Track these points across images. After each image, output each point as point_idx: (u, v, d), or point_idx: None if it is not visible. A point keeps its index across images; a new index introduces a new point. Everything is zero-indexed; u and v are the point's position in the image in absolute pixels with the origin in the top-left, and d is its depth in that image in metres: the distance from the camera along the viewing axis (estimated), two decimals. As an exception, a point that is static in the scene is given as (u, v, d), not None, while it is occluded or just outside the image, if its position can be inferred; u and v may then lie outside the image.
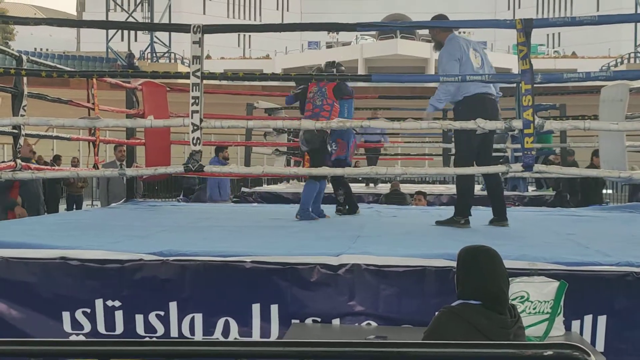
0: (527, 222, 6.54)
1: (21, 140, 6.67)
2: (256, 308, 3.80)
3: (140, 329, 3.85)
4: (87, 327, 3.87)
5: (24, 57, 6.79)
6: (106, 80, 8.05)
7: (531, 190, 12.82)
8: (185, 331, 3.83)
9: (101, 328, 3.86)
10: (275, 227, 5.90)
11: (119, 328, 3.86)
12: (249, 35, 56.56)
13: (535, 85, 4.95)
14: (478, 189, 11.55)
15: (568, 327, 3.63)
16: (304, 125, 5.73)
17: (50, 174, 7.20)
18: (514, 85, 5.16)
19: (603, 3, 52.71)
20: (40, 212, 8.32)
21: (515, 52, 5.18)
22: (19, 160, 6.44)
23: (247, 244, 4.41)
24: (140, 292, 3.86)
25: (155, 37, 43.04)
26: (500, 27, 5.49)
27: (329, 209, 7.18)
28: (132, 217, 6.68)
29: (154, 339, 3.80)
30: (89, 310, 3.87)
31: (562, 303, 3.53)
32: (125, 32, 49.39)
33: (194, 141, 5.17)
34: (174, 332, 3.83)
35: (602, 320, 3.67)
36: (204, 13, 55.64)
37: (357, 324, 3.77)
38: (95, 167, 7.87)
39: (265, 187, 13.26)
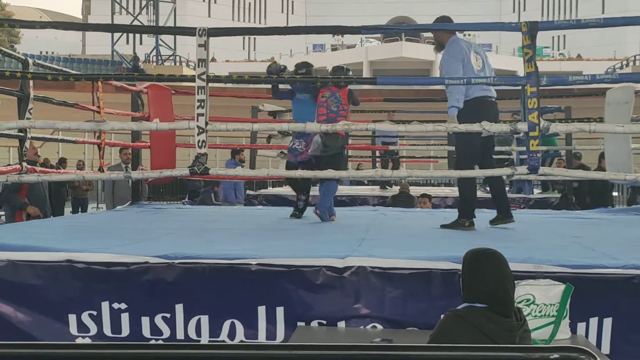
0: (532, 224, 6.53)
1: (27, 143, 6.69)
2: (262, 310, 3.80)
3: (146, 331, 3.85)
4: (93, 329, 3.88)
5: (30, 61, 6.81)
6: (111, 83, 8.06)
7: (537, 193, 12.80)
8: (192, 333, 3.84)
9: (107, 331, 3.87)
10: (280, 230, 5.90)
11: (125, 330, 3.87)
12: (254, 38, 56.61)
13: (540, 87, 4.95)
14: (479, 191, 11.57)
15: (574, 330, 3.62)
16: (309, 128, 5.74)
17: (56, 177, 7.22)
18: (519, 87, 5.15)
19: (608, 5, 52.65)
20: (46, 214, 8.33)
21: (521, 54, 5.18)
22: (25, 163, 6.46)
23: (253, 247, 4.41)
24: (146, 294, 3.87)
25: (161, 40, 43.13)
26: (506, 30, 5.48)
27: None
28: (138, 220, 6.69)
29: (160, 342, 3.81)
30: (95, 313, 3.88)
31: (568, 306, 3.52)
32: (131, 35, 49.48)
33: (200, 144, 5.18)
34: (180, 335, 3.83)
35: (607, 322, 3.66)
36: (209, 16, 55.72)
37: (362, 327, 3.77)
38: (101, 170, 7.89)
39: (271, 190, 13.28)
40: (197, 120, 5.15)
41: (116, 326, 3.87)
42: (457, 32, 6.06)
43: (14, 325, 3.90)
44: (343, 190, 12.50)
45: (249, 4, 59.63)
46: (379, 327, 3.76)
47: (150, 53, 43.32)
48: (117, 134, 15.86)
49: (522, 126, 4.99)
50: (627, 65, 41.89)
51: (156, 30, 31.40)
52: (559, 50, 53.39)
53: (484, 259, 3.00)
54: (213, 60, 41.14)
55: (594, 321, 3.67)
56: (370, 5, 56.80)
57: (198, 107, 5.14)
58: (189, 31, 5.39)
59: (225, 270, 3.84)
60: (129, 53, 41.27)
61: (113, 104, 8.50)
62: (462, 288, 3.01)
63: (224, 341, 3.81)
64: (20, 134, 6.60)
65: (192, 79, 5.28)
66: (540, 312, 3.50)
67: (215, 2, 57.82)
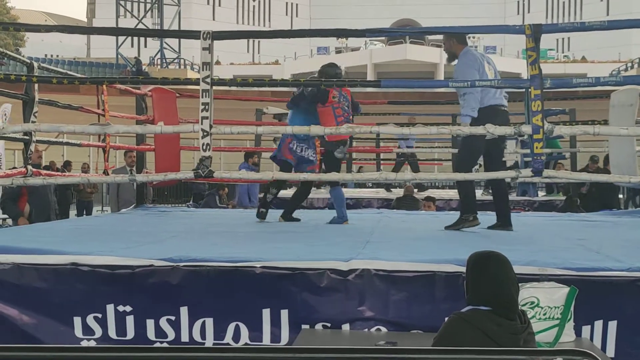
0: (537, 227, 6.53)
1: (32, 147, 6.70)
2: (266, 313, 3.80)
3: (151, 333, 3.86)
4: (98, 332, 3.89)
5: (35, 64, 6.83)
6: (116, 86, 8.08)
7: (541, 195, 12.79)
8: (196, 336, 3.84)
9: (112, 333, 3.88)
10: (284, 232, 5.91)
11: (130, 333, 3.88)
12: (258, 41, 56.68)
13: (544, 90, 4.95)
14: (479, 194, 11.57)
15: (578, 333, 3.62)
16: (313, 131, 5.74)
17: (61, 180, 7.23)
18: (523, 90, 5.16)
19: (613, 7, 52.59)
20: (50, 218, 8.36)
21: (525, 57, 5.18)
22: (30, 167, 6.48)
23: (257, 250, 4.42)
24: (151, 297, 3.87)
25: (165, 43, 43.20)
26: (510, 32, 5.49)
27: (317, 215, 7.30)
28: (142, 223, 6.70)
29: (165, 344, 3.81)
30: (100, 316, 3.88)
31: (572, 309, 3.52)
32: (135, 38, 49.59)
33: (204, 147, 5.19)
34: (184, 337, 3.84)
35: (612, 325, 3.65)
36: (214, 19, 55.82)
37: (367, 330, 3.77)
38: (106, 172, 7.91)
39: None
40: (202, 123, 5.16)
41: (121, 329, 3.88)
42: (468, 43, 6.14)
43: (19, 328, 3.91)
44: (347, 192, 12.51)
45: (253, 7, 59.72)
46: (383, 329, 3.76)
47: (154, 56, 43.40)
48: (121, 137, 15.92)
49: (526, 129, 4.99)
50: (632, 67, 41.80)
51: (161, 34, 31.51)
52: (563, 52, 53.33)
53: (488, 262, 3.00)
54: (217, 63, 41.21)
55: (598, 324, 3.67)
56: (374, 8, 56.81)
57: (202, 110, 5.15)
58: (193, 34, 5.40)
59: (229, 273, 3.84)
60: (133, 56, 41.34)
61: (117, 107, 8.51)
62: (466, 291, 3.01)
63: (228, 344, 3.81)
64: (25, 137, 6.62)
65: (196, 82, 5.29)
66: (544, 314, 3.50)
67: (219, 5, 57.91)
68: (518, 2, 58.73)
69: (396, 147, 13.89)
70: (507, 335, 2.82)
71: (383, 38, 47.19)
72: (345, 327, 3.79)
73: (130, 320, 3.87)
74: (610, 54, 47.57)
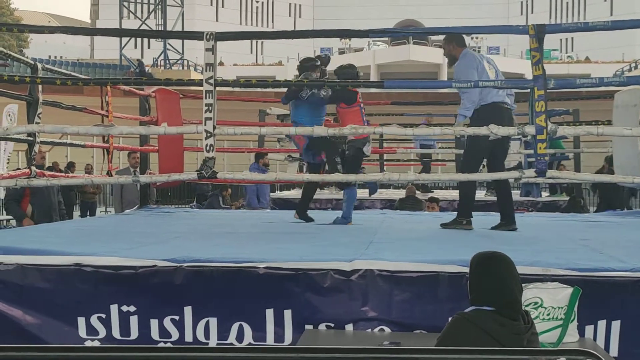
0: (540, 227, 6.52)
1: (36, 148, 6.71)
2: (270, 313, 3.81)
3: (155, 333, 3.87)
4: (102, 332, 3.89)
5: (39, 65, 6.84)
6: (120, 88, 8.09)
7: (545, 196, 12.78)
8: (200, 336, 3.85)
9: (116, 333, 3.88)
10: (288, 233, 5.91)
11: (134, 333, 3.88)
12: (262, 42, 56.72)
13: (548, 90, 4.95)
14: (482, 195, 11.57)
15: (582, 333, 3.62)
16: (316, 132, 5.74)
17: (65, 181, 7.25)
18: (527, 90, 5.15)
19: (616, 7, 52.51)
20: (52, 219, 8.37)
21: (528, 57, 5.18)
22: (33, 168, 6.49)
23: (261, 250, 4.42)
24: (154, 297, 3.88)
25: (169, 44, 43.24)
26: (513, 33, 5.49)
27: (320, 215, 7.30)
28: (146, 224, 6.71)
29: (169, 344, 3.82)
30: (104, 316, 3.89)
31: (575, 309, 3.52)
32: (139, 39, 49.64)
33: (207, 148, 5.19)
34: (188, 337, 3.85)
35: (616, 325, 3.65)
36: (217, 20, 55.85)
37: (370, 330, 3.78)
38: (109, 174, 7.92)
39: (278, 194, 13.29)
40: (205, 124, 5.16)
41: (125, 329, 3.88)
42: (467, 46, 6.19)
43: (23, 329, 3.92)
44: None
45: (257, 7, 59.75)
46: (387, 330, 3.77)
47: (158, 57, 43.42)
48: (125, 138, 15.94)
49: (530, 129, 4.99)
50: (636, 67, 41.74)
51: (164, 35, 31.53)
52: (567, 52, 53.24)
53: (491, 262, 3.00)
54: (221, 64, 41.29)
55: (602, 324, 3.67)
56: (377, 9, 56.81)
57: (206, 111, 5.15)
58: (196, 35, 5.41)
59: (233, 274, 3.85)
60: (137, 57, 41.40)
61: (121, 108, 8.53)
62: (470, 291, 3.01)
63: (232, 344, 3.82)
64: (29, 138, 6.63)
65: (200, 83, 5.30)
66: (548, 315, 3.49)
67: (222, 7, 57.94)
68: (521, 2, 58.67)
69: (401, 147, 13.90)
70: (510, 336, 2.82)
71: (386, 39, 47.12)
72: (349, 327, 3.79)
73: (134, 321, 3.88)
74: (614, 54, 47.50)
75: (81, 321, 3.91)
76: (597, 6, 53.62)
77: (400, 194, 11.95)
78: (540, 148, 4.96)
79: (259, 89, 24.81)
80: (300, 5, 60.95)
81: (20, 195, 8.14)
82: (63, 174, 10.47)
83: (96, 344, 3.86)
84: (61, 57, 48.21)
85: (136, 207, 8.60)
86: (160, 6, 44.71)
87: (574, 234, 5.81)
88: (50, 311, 3.93)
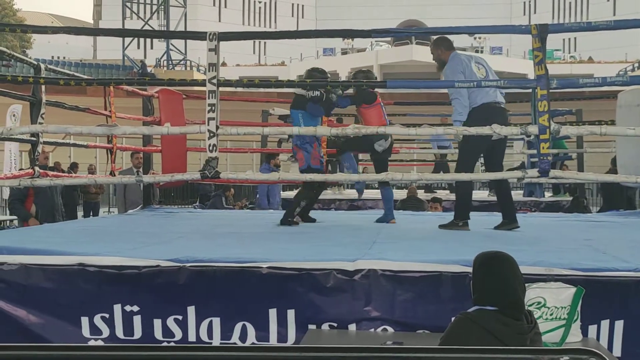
0: (543, 227, 6.52)
1: (39, 148, 6.73)
2: (273, 313, 3.81)
3: (158, 333, 3.87)
4: (106, 332, 3.90)
5: (42, 66, 6.85)
6: (123, 88, 8.10)
7: (548, 196, 12.77)
8: (203, 335, 3.85)
9: (119, 333, 3.89)
10: (291, 233, 5.91)
11: (137, 333, 3.89)
12: (264, 42, 56.73)
13: (551, 90, 4.95)
14: (485, 195, 11.57)
15: (585, 333, 3.61)
16: (319, 132, 5.75)
17: (68, 181, 7.26)
18: (530, 90, 5.15)
19: (620, 7, 52.44)
20: (55, 219, 8.38)
21: (531, 57, 5.18)
22: (37, 168, 6.50)
23: (264, 250, 4.43)
24: (158, 297, 3.89)
25: (171, 44, 43.24)
26: (516, 33, 5.49)
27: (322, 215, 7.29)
28: (149, 224, 6.72)
29: (172, 344, 3.83)
30: (107, 316, 3.90)
31: (579, 309, 3.52)
32: (142, 39, 49.66)
33: (210, 148, 5.20)
34: (191, 337, 3.85)
35: (619, 325, 3.65)
36: (220, 20, 55.87)
37: (373, 330, 3.78)
38: (112, 174, 7.93)
39: (281, 194, 13.28)
40: (208, 124, 5.17)
41: (128, 328, 3.89)
42: (456, 48, 6.20)
43: (27, 328, 3.93)
44: (353, 193, 12.52)
45: (259, 8, 59.77)
46: (390, 329, 3.77)
47: (161, 58, 43.43)
48: (128, 138, 15.96)
49: (533, 129, 4.99)
50: (639, 67, 41.70)
51: (167, 35, 31.53)
52: (569, 52, 53.19)
53: (494, 262, 3.01)
54: (223, 64, 41.24)
55: (605, 324, 3.66)
56: (380, 9, 56.80)
57: (209, 111, 5.16)
58: (199, 36, 5.41)
59: (236, 274, 3.85)
60: (140, 58, 41.42)
61: (124, 109, 8.53)
62: (473, 291, 3.01)
63: (235, 343, 3.82)
64: (32, 138, 6.64)
65: (203, 83, 5.30)
66: (551, 315, 3.49)
67: (225, 7, 57.98)
68: (524, 2, 58.62)
69: (404, 147, 13.88)
70: (513, 335, 2.82)
71: (389, 39, 47.17)
72: (352, 327, 3.79)
73: (137, 320, 3.88)
74: (617, 54, 47.43)
75: (85, 321, 3.91)
76: (600, 6, 53.56)
77: (403, 194, 11.95)
78: (543, 148, 4.96)
79: (261, 90, 24.80)
80: (302, 6, 60.95)
81: (25, 195, 8.17)
82: (66, 174, 10.49)
83: (100, 343, 3.87)
84: (64, 58, 48.26)
85: (139, 207, 8.61)
86: (162, 7, 44.73)
87: (577, 234, 5.80)
88: (53, 311, 3.94)
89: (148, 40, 49.99)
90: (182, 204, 17.54)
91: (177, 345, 3.68)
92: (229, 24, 53.61)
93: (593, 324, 3.66)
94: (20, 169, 7.78)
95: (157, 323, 3.87)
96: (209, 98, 5.16)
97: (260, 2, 59.77)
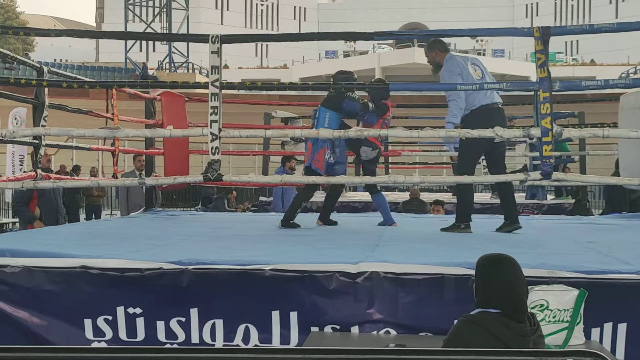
0: (546, 230, 6.51)
1: (42, 151, 6.74)
2: (276, 315, 3.81)
3: (161, 335, 3.88)
4: (109, 334, 3.91)
5: (45, 68, 6.86)
6: (125, 91, 8.11)
7: (550, 199, 12.76)
8: (206, 337, 3.85)
9: (122, 335, 3.90)
10: (293, 236, 5.92)
11: (141, 335, 3.89)
12: (267, 45, 56.75)
13: (553, 93, 4.95)
14: (487, 197, 11.56)
15: (588, 336, 3.61)
16: (322, 134, 5.76)
17: (71, 184, 7.27)
18: (532, 93, 5.15)
19: (622, 10, 52.44)
20: (58, 222, 8.39)
21: (533, 60, 5.18)
22: (39, 170, 6.51)
23: (266, 252, 4.43)
24: (161, 299, 3.89)
25: (174, 47, 43.29)
26: (518, 35, 5.50)
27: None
28: (152, 226, 6.72)
29: (175, 346, 3.83)
30: (110, 318, 3.90)
31: (581, 311, 3.51)
32: (144, 42, 49.72)
33: (213, 150, 5.21)
34: (195, 339, 3.85)
35: (622, 328, 3.65)
36: (222, 23, 55.94)
37: (376, 332, 3.78)
38: (115, 176, 7.94)
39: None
40: (211, 127, 5.17)
41: (131, 330, 3.90)
42: (451, 50, 6.21)
43: (30, 330, 3.93)
44: (356, 196, 12.53)
45: (261, 10, 59.83)
46: (393, 332, 3.77)
47: (163, 60, 43.50)
48: (130, 140, 15.98)
49: (535, 131, 4.99)
50: (641, 70, 41.70)
51: (169, 38, 31.51)
52: (572, 55, 53.19)
53: (497, 264, 3.00)
54: (226, 67, 41.24)
55: (608, 327, 3.66)
56: (382, 12, 56.83)
57: (211, 114, 5.17)
58: (202, 38, 5.42)
59: (239, 276, 3.86)
60: (142, 60, 41.47)
61: (126, 111, 8.55)
62: (476, 293, 3.01)
63: (238, 345, 3.83)
64: (35, 141, 6.65)
65: (205, 86, 5.31)
66: (554, 317, 3.49)
67: (227, 10, 58.04)
68: (526, 5, 58.62)
69: (406, 150, 13.89)
70: (516, 338, 2.82)
71: (391, 42, 47.18)
72: (354, 329, 3.79)
73: (140, 322, 3.89)
74: (620, 57, 47.41)
75: (88, 323, 3.92)
76: (603, 8, 53.55)
77: (405, 196, 11.95)
78: (545, 150, 4.96)
79: (264, 92, 24.87)
80: (305, 8, 61.01)
81: (28, 197, 8.19)
82: (69, 177, 10.50)
83: (103, 345, 3.88)
84: (66, 60, 48.34)
85: (142, 209, 8.61)
86: (165, 9, 44.81)
87: (579, 237, 5.80)
88: (56, 313, 3.95)
89: (150, 42, 50.03)
90: (184, 206, 17.57)
91: (180, 347, 3.69)
92: (231, 27, 53.71)
93: (596, 327, 3.65)
94: (23, 172, 7.79)
95: (160, 325, 3.88)
96: (211, 101, 5.17)
97: (262, 5, 59.84)
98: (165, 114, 8.60)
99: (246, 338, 3.83)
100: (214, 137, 5.17)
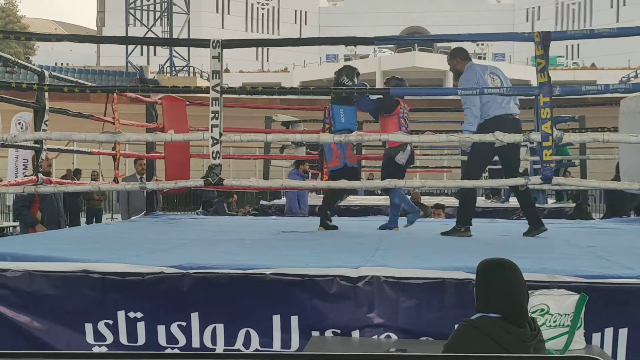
0: (546, 234, 6.51)
1: (43, 155, 6.74)
2: (276, 319, 3.81)
3: (162, 339, 3.87)
4: (110, 338, 3.90)
5: (46, 73, 6.87)
6: (126, 95, 8.12)
7: (551, 203, 12.76)
8: (207, 342, 3.85)
9: (123, 339, 3.89)
10: (294, 240, 5.92)
11: (141, 339, 3.89)
12: (267, 49, 56.77)
13: (553, 97, 4.96)
14: (482, 201, 11.54)
15: (589, 340, 3.61)
16: (322, 138, 5.76)
17: (72, 188, 7.27)
18: (533, 97, 5.16)
19: (623, 14, 52.46)
20: (60, 225, 8.40)
21: (534, 64, 5.19)
22: (40, 175, 6.51)
23: (267, 256, 4.43)
24: (161, 303, 3.89)
25: (175, 51, 43.31)
26: (519, 40, 5.51)
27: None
28: (152, 231, 6.72)
29: (176, 350, 3.83)
30: (111, 322, 3.90)
31: (582, 316, 3.51)
32: (145, 46, 49.75)
33: (214, 155, 5.21)
34: (195, 343, 3.85)
35: (623, 333, 3.64)
36: (222, 27, 55.97)
37: (376, 337, 3.78)
38: (116, 180, 7.94)
39: (284, 200, 13.28)
40: (212, 131, 5.18)
41: (132, 335, 3.89)
42: (472, 58, 6.26)
43: (31, 335, 3.93)
44: (356, 200, 12.52)
45: (262, 15, 59.88)
46: (393, 336, 3.77)
47: (164, 64, 43.51)
48: (131, 144, 15.98)
49: (536, 136, 4.99)
50: (642, 74, 41.67)
51: (170, 43, 31.62)
52: (572, 59, 53.21)
53: (497, 269, 3.00)
54: (226, 71, 41.28)
55: (609, 331, 3.66)
56: (383, 16, 56.86)
57: (212, 119, 5.17)
58: (203, 43, 5.43)
59: (240, 280, 3.86)
60: (143, 64, 41.49)
61: (127, 115, 8.55)
62: (476, 298, 3.01)
63: (239, 350, 3.83)
64: (36, 145, 6.66)
65: (206, 90, 5.31)
66: (554, 322, 3.49)
67: (228, 14, 58.09)
68: (527, 9, 58.66)
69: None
70: (517, 343, 2.82)
71: (392, 45, 47.24)
72: (355, 334, 3.79)
73: (141, 327, 3.89)
74: (620, 61, 47.41)
75: (88, 327, 3.92)
76: (604, 13, 53.57)
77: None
78: (546, 155, 4.97)
79: (264, 96, 24.81)
80: (305, 13, 61.05)
81: (30, 201, 8.20)
82: (69, 181, 10.50)
83: (104, 349, 3.88)
84: (67, 64, 48.34)
85: (142, 213, 8.61)
86: (166, 13, 44.84)
87: (580, 241, 5.80)
88: (57, 317, 3.95)
89: (151, 47, 50.05)
90: (185, 210, 17.55)
91: (181, 352, 3.68)
92: (231, 31, 53.74)
93: (597, 332, 3.65)
94: (25, 176, 7.80)
95: (161, 329, 3.88)
96: (212, 105, 5.18)
97: (263, 9, 59.89)
98: (166, 117, 8.61)
99: (247, 342, 3.83)
100: (215, 141, 5.18)
